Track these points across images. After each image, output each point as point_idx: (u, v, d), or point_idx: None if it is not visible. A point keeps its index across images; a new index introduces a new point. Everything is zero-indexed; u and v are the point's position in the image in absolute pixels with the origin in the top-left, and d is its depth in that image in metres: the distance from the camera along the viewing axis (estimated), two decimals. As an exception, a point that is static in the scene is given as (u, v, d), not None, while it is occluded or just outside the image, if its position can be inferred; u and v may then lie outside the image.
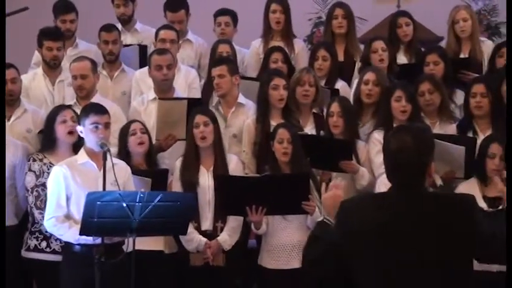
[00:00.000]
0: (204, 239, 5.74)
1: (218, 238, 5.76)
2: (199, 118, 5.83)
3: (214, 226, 5.81)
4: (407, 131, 3.77)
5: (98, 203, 4.90)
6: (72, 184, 5.31)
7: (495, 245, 3.69)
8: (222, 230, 5.81)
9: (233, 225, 5.82)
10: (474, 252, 3.63)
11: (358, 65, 7.08)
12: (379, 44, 6.84)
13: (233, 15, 7.65)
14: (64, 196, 5.30)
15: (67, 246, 5.38)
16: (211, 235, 5.78)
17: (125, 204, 4.91)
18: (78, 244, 5.26)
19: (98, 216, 4.90)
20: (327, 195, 4.03)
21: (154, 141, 6.07)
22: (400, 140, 3.64)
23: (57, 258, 5.55)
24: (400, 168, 3.62)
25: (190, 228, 5.61)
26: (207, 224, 5.81)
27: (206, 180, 5.82)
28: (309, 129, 6.29)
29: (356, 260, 3.61)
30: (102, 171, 5.16)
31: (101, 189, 5.06)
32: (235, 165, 5.95)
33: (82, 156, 5.42)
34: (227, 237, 5.79)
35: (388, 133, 5.88)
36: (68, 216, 5.30)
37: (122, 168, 5.43)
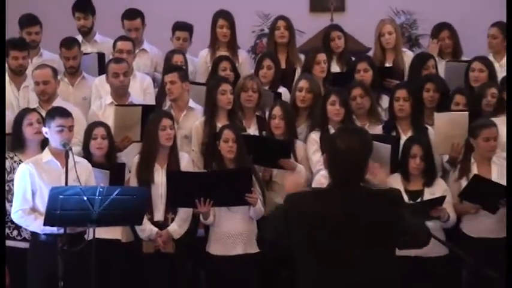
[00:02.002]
0: (156, 229, 5.77)
1: (168, 228, 5.80)
2: (166, 121, 5.85)
3: (166, 217, 5.84)
4: (353, 132, 3.78)
5: (61, 196, 4.90)
6: (37, 180, 5.33)
7: (421, 233, 3.74)
8: (172, 220, 5.83)
9: (183, 217, 5.86)
10: (399, 241, 3.66)
11: (298, 72, 7.10)
12: (322, 57, 6.88)
13: (190, 30, 7.61)
14: (30, 191, 5.32)
15: (33, 235, 5.40)
16: (162, 225, 5.81)
17: (85, 198, 4.92)
18: (43, 234, 5.28)
19: (60, 209, 4.90)
20: (291, 178, 4.06)
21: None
22: (348, 141, 3.62)
23: (28, 245, 5.54)
24: (345, 167, 3.61)
25: (144, 219, 5.64)
26: (159, 215, 5.83)
27: (160, 176, 5.82)
28: (253, 130, 6.33)
29: (297, 249, 3.62)
30: (65, 168, 5.18)
31: (63, 184, 5.07)
32: (187, 163, 5.98)
33: (46, 155, 5.42)
34: (176, 227, 5.82)
35: (325, 133, 6.01)
36: (34, 209, 5.31)
37: (83, 166, 5.45)
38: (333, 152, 3.66)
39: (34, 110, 6.05)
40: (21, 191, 5.33)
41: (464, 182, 5.80)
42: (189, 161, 6.01)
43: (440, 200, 5.63)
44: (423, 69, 6.86)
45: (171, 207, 5.83)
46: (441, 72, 7.04)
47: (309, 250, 3.59)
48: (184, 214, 5.85)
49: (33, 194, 5.33)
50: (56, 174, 5.32)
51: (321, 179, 5.60)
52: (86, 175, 5.40)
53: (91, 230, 4.98)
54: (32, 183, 5.32)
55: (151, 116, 6.01)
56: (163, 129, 5.81)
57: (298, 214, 3.61)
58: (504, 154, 6.00)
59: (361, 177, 3.66)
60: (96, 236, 4.99)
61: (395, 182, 5.72)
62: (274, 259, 5.23)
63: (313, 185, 5.75)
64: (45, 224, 5.05)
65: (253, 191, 5.67)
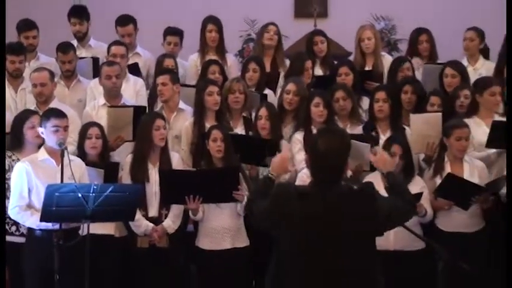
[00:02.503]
0: (151, 224, 5.77)
1: (163, 223, 5.79)
2: (160, 122, 5.84)
3: (160, 213, 5.82)
4: (333, 134, 3.80)
5: (57, 194, 4.91)
6: (33, 178, 5.33)
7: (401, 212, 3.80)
8: (166, 216, 5.83)
9: (176, 213, 5.85)
10: (379, 231, 3.71)
11: (282, 76, 7.12)
12: (309, 64, 6.92)
13: (181, 35, 7.63)
14: (26, 188, 5.32)
15: (29, 231, 5.40)
16: (157, 221, 5.80)
17: (80, 195, 4.93)
18: (39, 229, 5.28)
19: (56, 205, 4.91)
20: (276, 159, 4.10)
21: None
22: (327, 143, 3.65)
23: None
24: (326, 167, 3.64)
25: (139, 215, 5.65)
26: (153, 211, 5.82)
27: (153, 174, 5.82)
28: (239, 130, 6.34)
29: (285, 247, 3.67)
30: (60, 166, 5.17)
31: (59, 182, 5.08)
32: (177, 162, 5.97)
33: (42, 154, 5.43)
34: (171, 223, 5.81)
35: (308, 133, 6.02)
36: (30, 206, 5.32)
37: (77, 165, 5.45)
38: (314, 152, 3.71)
39: (36, 112, 6.01)
40: (18, 189, 5.33)
41: (438, 180, 5.82)
42: (179, 160, 6.01)
43: (418, 196, 5.66)
44: (399, 72, 6.90)
45: (163, 203, 5.82)
46: (418, 73, 7.09)
47: (296, 248, 3.62)
48: (177, 210, 5.84)
49: (30, 191, 5.33)
50: (52, 172, 5.32)
51: (304, 176, 5.65)
52: (79, 173, 5.41)
53: (85, 225, 4.99)
54: (29, 181, 5.32)
55: (144, 116, 6.02)
56: (157, 129, 5.81)
57: (284, 215, 3.64)
58: (476, 153, 6.06)
59: (341, 177, 3.71)
60: (90, 231, 4.99)
61: (376, 179, 5.70)
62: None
63: (297, 183, 5.77)
64: (41, 220, 5.04)
65: (240, 189, 5.67)
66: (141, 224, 5.74)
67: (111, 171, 5.81)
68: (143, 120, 5.93)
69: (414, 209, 3.90)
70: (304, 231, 3.59)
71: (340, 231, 3.58)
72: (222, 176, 5.70)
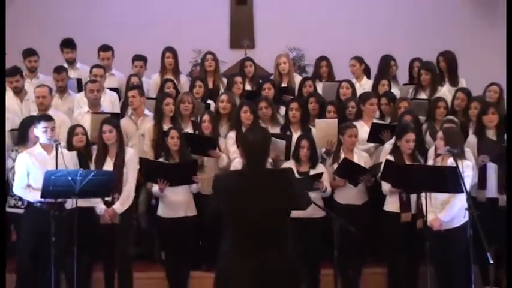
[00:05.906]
0: (104, 207, 5.53)
1: (113, 206, 5.53)
2: (106, 127, 5.65)
3: (112, 197, 5.54)
4: (257, 130, 3.91)
5: (53, 177, 4.94)
6: (31, 165, 5.34)
7: (303, 198, 3.88)
8: (117, 199, 5.57)
9: (124, 196, 5.57)
10: (291, 203, 3.76)
11: (222, 91, 7.15)
12: (238, 79, 6.91)
13: (145, 60, 7.64)
14: (26, 172, 5.34)
15: (28, 203, 5.42)
16: (110, 203, 5.54)
17: (70, 178, 4.95)
18: (37, 202, 5.29)
19: (52, 186, 4.95)
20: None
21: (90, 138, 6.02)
22: (254, 135, 3.74)
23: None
24: (254, 153, 3.71)
25: (97, 199, 5.51)
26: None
27: (110, 166, 5.63)
28: (189, 130, 6.31)
29: (225, 211, 3.71)
30: (50, 157, 5.23)
31: (49, 168, 5.12)
32: (130, 155, 5.72)
33: (37, 148, 5.45)
34: (119, 205, 5.54)
35: (239, 132, 6.07)
36: (28, 185, 5.33)
37: (67, 154, 5.44)
38: (245, 142, 3.78)
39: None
40: (20, 173, 5.35)
41: (336, 166, 5.91)
42: (132, 154, 5.74)
43: (319, 175, 5.76)
44: (303, 87, 7.01)
45: (145, 181, 5.79)
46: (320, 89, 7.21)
47: (230, 214, 3.67)
48: (125, 194, 5.58)
49: (28, 175, 5.33)
50: (44, 161, 5.35)
51: (237, 165, 5.69)
52: (73, 161, 5.45)
53: (74, 200, 5.03)
54: (28, 167, 5.33)
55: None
56: (104, 133, 5.65)
57: (223, 190, 3.70)
58: (360, 146, 6.20)
59: (265, 160, 3.77)
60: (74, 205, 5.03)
61: (290, 166, 5.81)
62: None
63: (231, 169, 5.83)
64: (41, 197, 5.06)
65: (198, 174, 5.71)
66: (97, 206, 5.56)
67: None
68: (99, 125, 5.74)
69: (309, 204, 4.01)
70: (237, 201, 3.64)
71: (264, 201, 3.63)
72: (185, 167, 5.73)
